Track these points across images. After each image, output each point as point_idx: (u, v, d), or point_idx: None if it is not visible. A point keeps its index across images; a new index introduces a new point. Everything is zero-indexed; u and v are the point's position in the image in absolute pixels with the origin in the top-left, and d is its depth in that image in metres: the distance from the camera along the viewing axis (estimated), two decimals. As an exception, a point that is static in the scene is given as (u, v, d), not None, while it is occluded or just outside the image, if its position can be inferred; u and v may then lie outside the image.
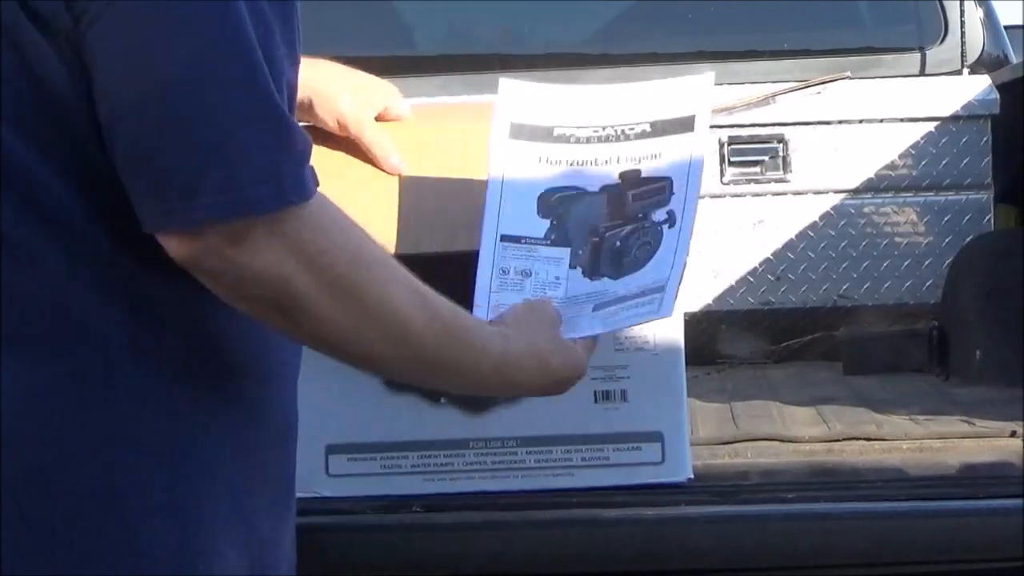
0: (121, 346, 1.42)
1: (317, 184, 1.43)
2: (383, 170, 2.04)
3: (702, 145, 1.90)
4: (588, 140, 1.95)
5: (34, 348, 1.40)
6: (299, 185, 1.40)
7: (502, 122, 1.97)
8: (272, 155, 1.38)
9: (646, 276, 1.83)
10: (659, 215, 1.86)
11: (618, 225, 1.89)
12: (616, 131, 1.94)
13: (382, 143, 2.03)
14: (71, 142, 1.40)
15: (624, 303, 1.81)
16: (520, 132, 1.96)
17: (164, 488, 1.43)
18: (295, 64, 1.47)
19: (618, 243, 1.87)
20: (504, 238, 1.91)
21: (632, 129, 1.94)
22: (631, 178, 1.91)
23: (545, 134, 1.96)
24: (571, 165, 1.94)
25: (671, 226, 1.84)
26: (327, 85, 2.00)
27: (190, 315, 1.46)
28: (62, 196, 1.40)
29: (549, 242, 1.90)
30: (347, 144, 2.04)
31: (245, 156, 1.36)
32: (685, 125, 1.92)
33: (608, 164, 1.93)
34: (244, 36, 1.37)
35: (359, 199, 1.94)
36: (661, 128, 1.93)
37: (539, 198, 1.93)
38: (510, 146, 1.95)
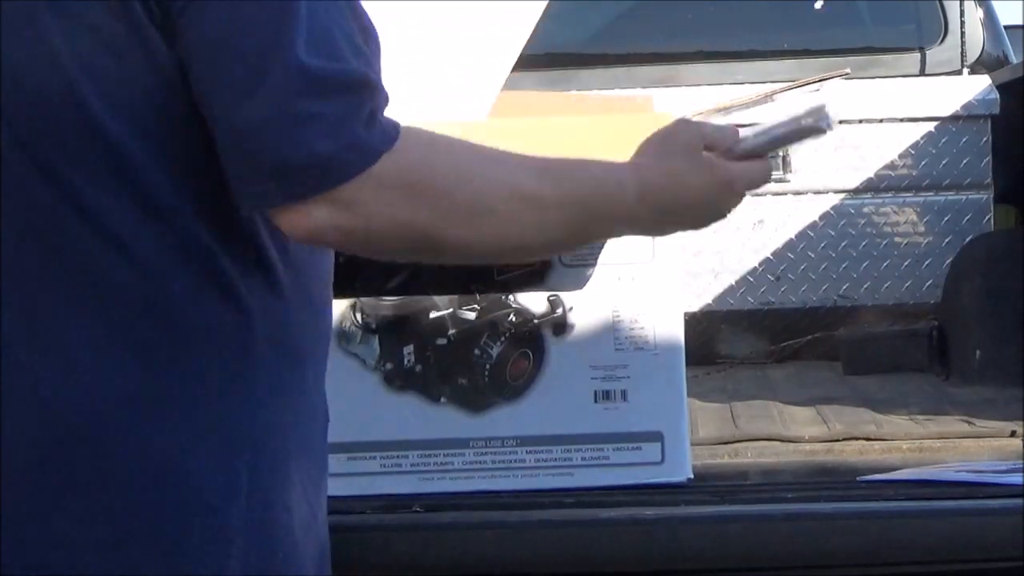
0: (225, 345, 1.43)
1: (397, 125, 1.40)
2: None
3: None
4: None
5: (129, 341, 1.40)
6: (382, 133, 1.38)
7: None
8: (349, 121, 1.36)
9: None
10: None
11: None
12: None
13: None
14: (169, 128, 1.40)
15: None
16: None
17: (246, 475, 1.46)
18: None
19: None
20: None
21: None
22: None
23: None
24: None
25: None
26: None
27: (267, 306, 1.46)
28: (161, 182, 1.40)
29: None
30: None
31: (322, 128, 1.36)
32: None
33: None
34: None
35: None
36: None
37: None
38: None
